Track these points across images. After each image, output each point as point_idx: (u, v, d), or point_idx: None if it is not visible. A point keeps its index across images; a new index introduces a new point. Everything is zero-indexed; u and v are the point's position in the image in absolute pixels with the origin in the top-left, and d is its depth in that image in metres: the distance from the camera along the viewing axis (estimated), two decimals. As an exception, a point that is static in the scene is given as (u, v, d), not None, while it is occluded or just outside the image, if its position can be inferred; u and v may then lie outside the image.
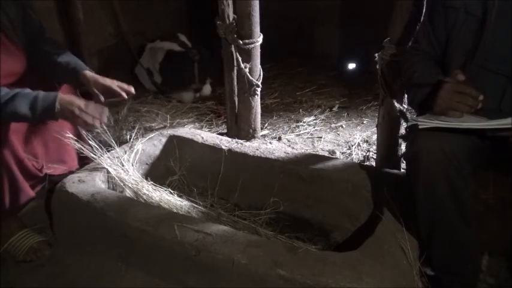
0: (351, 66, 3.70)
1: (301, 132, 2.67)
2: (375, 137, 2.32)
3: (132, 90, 1.70)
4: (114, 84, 1.68)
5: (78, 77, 1.69)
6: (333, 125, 2.76)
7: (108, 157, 1.79)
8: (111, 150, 1.83)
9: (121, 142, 2.10)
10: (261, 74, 2.23)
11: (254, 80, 2.19)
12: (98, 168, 1.78)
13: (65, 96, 1.52)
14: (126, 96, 1.68)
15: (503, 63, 1.34)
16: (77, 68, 1.70)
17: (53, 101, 1.48)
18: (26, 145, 1.64)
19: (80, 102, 1.52)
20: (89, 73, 1.70)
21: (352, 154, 2.38)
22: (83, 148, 1.72)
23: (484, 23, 1.35)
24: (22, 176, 1.60)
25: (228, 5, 2.09)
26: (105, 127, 1.66)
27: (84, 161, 1.85)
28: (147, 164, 2.02)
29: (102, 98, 1.65)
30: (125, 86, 1.69)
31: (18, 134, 1.58)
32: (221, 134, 2.44)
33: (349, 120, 2.83)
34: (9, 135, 1.52)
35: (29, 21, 1.70)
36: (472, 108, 1.23)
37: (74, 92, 1.79)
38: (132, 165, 1.84)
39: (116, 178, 1.75)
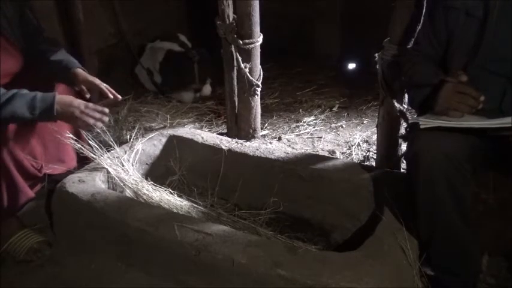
0: (351, 66, 3.69)
1: (301, 132, 2.67)
2: (375, 137, 2.32)
3: (119, 97, 1.73)
4: (102, 85, 1.71)
5: (69, 74, 1.70)
6: (333, 125, 2.76)
7: (108, 157, 1.79)
8: (111, 150, 1.83)
9: (121, 142, 2.10)
10: (261, 74, 2.23)
11: (254, 80, 2.19)
12: (98, 168, 1.78)
13: (64, 97, 1.53)
14: (112, 97, 1.71)
15: (504, 64, 1.34)
16: (68, 65, 1.71)
17: (51, 102, 1.48)
18: (25, 145, 1.64)
19: (80, 103, 1.52)
20: (80, 71, 1.71)
21: (352, 154, 2.38)
22: (82, 148, 1.72)
23: (485, 24, 1.35)
24: (21, 177, 1.60)
25: (228, 5, 2.08)
26: (104, 127, 1.67)
27: (84, 161, 1.85)
28: (147, 164, 2.02)
29: (88, 95, 1.70)
30: (112, 90, 1.73)
31: (16, 135, 1.58)
32: (221, 134, 2.44)
33: (349, 120, 2.83)
34: (8, 135, 1.52)
35: (26, 21, 1.70)
36: (473, 109, 1.23)
37: (71, 91, 1.79)
38: (132, 165, 1.84)
39: (116, 178, 1.75)
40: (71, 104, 1.51)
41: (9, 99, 1.44)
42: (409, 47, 1.70)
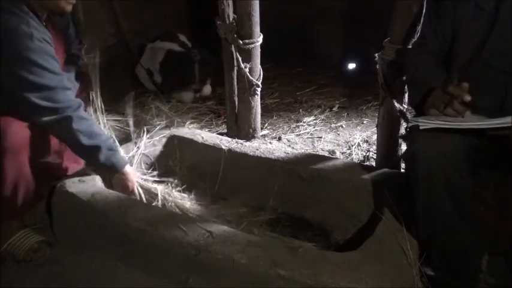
0: (351, 66, 3.70)
1: (301, 132, 2.67)
2: (375, 137, 2.32)
3: None
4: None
5: None
6: (333, 125, 2.76)
7: (108, 157, 1.79)
8: (111, 150, 1.83)
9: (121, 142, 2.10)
10: (261, 74, 2.23)
11: (254, 80, 2.19)
12: (98, 168, 1.77)
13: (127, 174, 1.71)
14: None
15: (509, 61, 1.33)
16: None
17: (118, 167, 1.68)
18: (49, 147, 1.67)
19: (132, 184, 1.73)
20: None
21: (352, 154, 2.38)
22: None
23: (495, 19, 1.33)
24: (41, 177, 1.64)
25: (228, 5, 2.09)
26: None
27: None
28: (147, 164, 2.02)
29: None
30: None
31: (40, 138, 1.60)
32: (221, 134, 2.44)
33: (349, 120, 2.83)
34: (32, 138, 1.54)
35: (70, 33, 1.86)
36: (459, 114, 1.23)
37: (88, 90, 1.86)
38: (132, 165, 1.84)
39: (116, 178, 1.75)
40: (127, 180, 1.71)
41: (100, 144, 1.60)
42: (413, 41, 1.69)
